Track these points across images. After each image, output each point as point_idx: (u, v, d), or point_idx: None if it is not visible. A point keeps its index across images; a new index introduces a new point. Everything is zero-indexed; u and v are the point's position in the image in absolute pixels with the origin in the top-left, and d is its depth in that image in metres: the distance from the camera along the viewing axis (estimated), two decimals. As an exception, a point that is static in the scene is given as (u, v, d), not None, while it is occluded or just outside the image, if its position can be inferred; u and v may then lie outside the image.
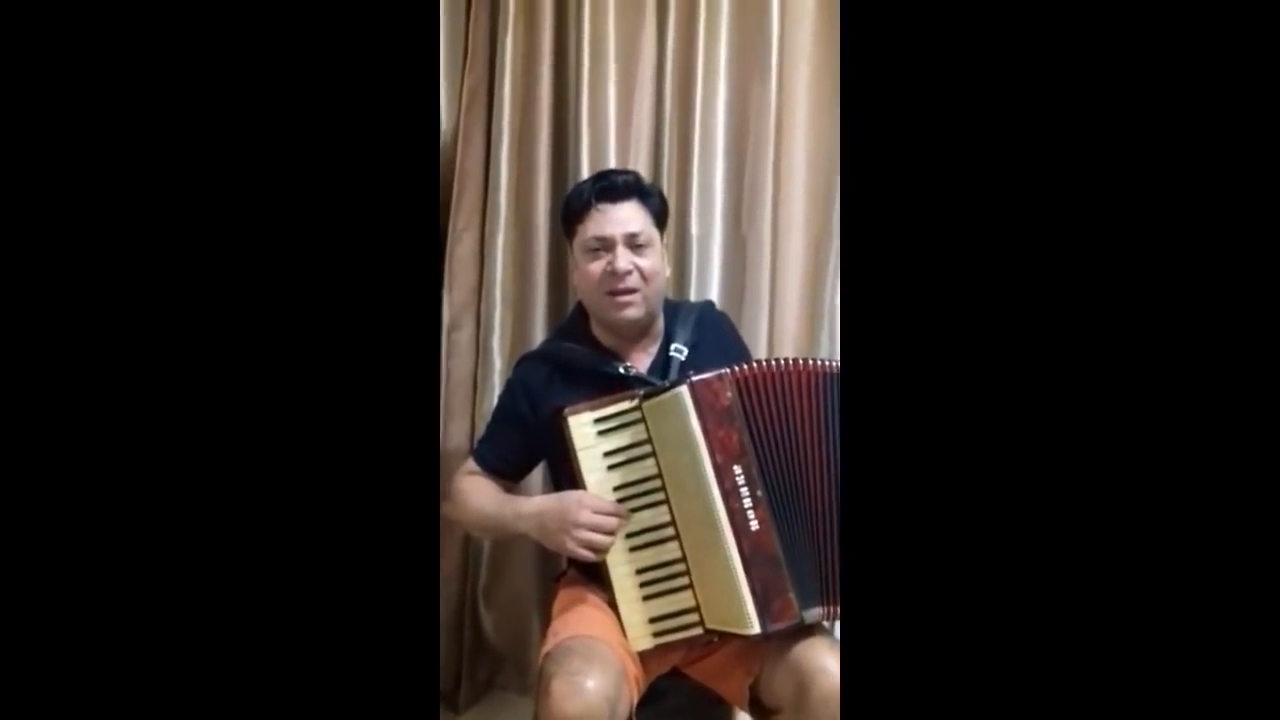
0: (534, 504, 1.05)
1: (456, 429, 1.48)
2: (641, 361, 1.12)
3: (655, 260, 1.09)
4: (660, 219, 1.13)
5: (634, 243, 1.07)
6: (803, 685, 0.90)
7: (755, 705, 0.99)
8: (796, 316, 1.47)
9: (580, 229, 1.10)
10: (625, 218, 1.08)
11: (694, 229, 1.44)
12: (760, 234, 1.43)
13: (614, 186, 1.09)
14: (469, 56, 1.47)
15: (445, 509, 1.18)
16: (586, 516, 0.98)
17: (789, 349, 1.45)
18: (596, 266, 1.07)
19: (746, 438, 0.94)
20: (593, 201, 1.08)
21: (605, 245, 1.07)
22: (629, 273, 1.06)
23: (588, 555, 0.99)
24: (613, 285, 1.06)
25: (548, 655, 0.94)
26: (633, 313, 1.08)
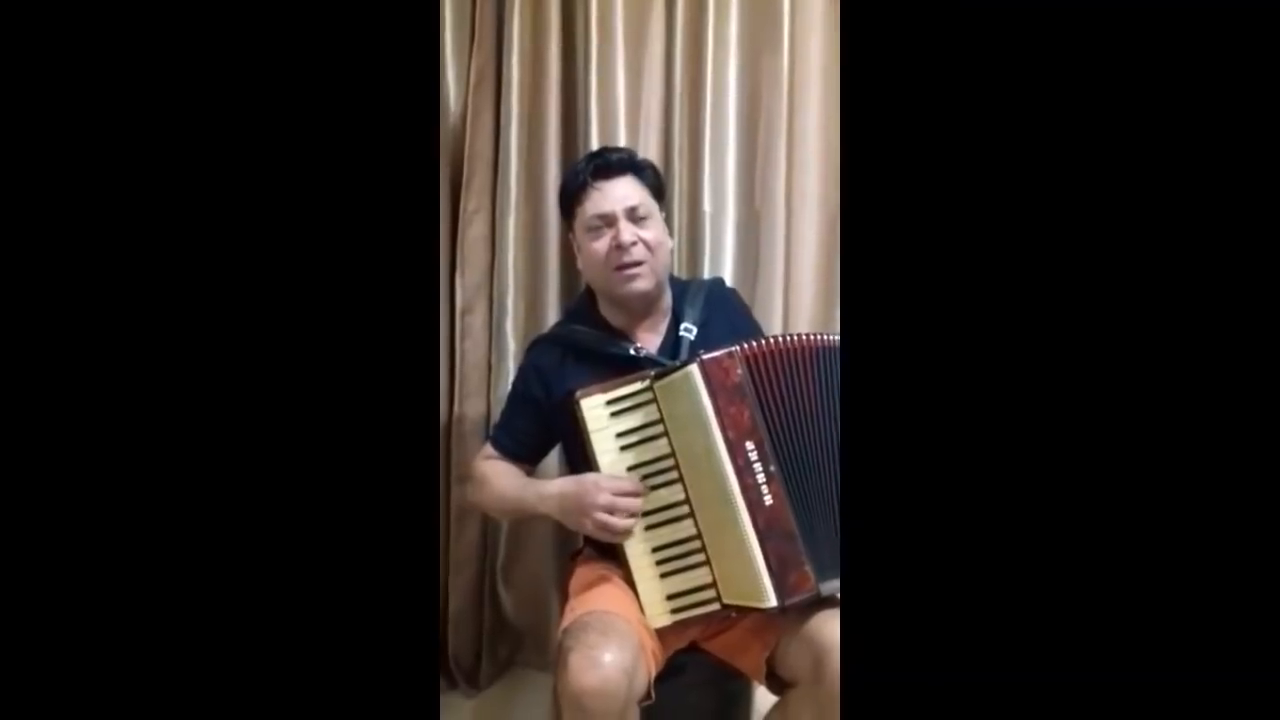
0: (554, 486, 1.06)
1: (472, 410, 1.49)
2: (650, 341, 1.12)
3: (658, 231, 1.09)
4: (657, 191, 1.14)
5: (635, 215, 1.08)
6: (819, 658, 0.91)
7: (772, 678, 1.00)
8: (812, 292, 1.46)
9: (580, 210, 1.10)
10: (623, 193, 1.08)
11: (707, 206, 1.44)
12: (774, 210, 1.42)
13: (609, 164, 1.10)
14: (476, 37, 1.46)
15: (468, 493, 1.19)
16: (605, 499, 0.98)
17: (804, 325, 1.45)
18: (601, 244, 1.08)
19: (758, 414, 0.94)
20: (589, 180, 1.09)
21: (607, 221, 1.08)
22: (634, 244, 1.06)
23: (607, 536, 1.00)
24: (620, 260, 1.06)
25: (566, 630, 0.95)
26: (642, 284, 1.08)
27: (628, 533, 0.99)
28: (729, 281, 1.36)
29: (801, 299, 1.46)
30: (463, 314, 1.48)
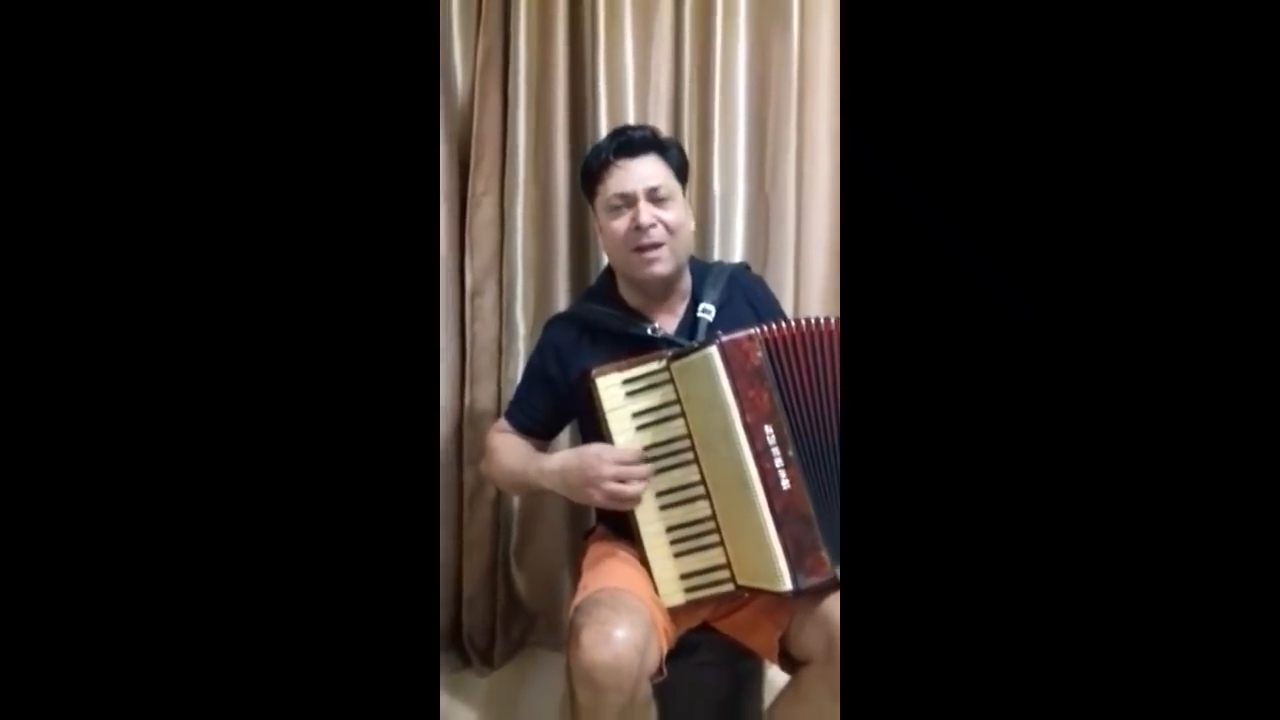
0: (556, 460, 1.07)
1: (482, 392, 1.49)
2: (668, 322, 1.12)
3: (679, 213, 1.08)
4: (681, 172, 1.12)
5: (655, 196, 1.06)
6: (832, 637, 0.91)
7: (784, 658, 1.01)
8: (822, 274, 1.46)
9: (601, 188, 1.09)
10: (646, 172, 1.07)
11: (716, 188, 1.43)
12: (784, 191, 1.41)
13: (632, 142, 1.08)
14: (482, 17, 1.44)
15: (480, 467, 1.20)
16: (609, 469, 0.99)
17: (815, 306, 1.45)
18: (620, 224, 1.07)
19: (777, 398, 0.94)
20: (611, 158, 1.08)
21: (627, 201, 1.06)
22: (653, 226, 1.05)
23: (619, 505, 1.00)
24: (639, 241, 1.05)
25: (577, 607, 0.96)
26: (661, 268, 1.07)
27: (638, 499, 1.00)
28: (749, 266, 1.35)
29: (812, 280, 1.46)
30: (472, 297, 1.48)
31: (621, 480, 0.98)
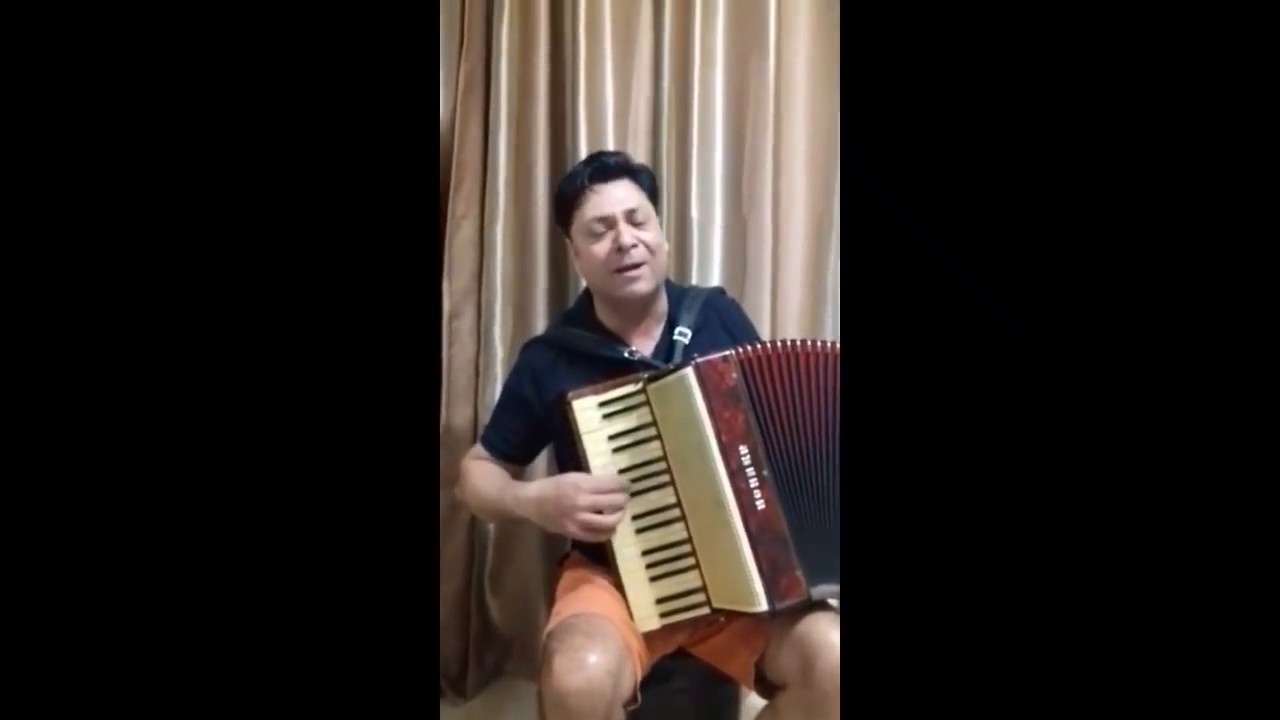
0: (533, 489, 1.06)
1: (459, 415, 1.48)
2: (645, 345, 1.12)
3: (656, 233, 1.10)
4: (653, 195, 1.14)
5: (634, 219, 1.08)
6: (808, 660, 0.91)
7: (761, 682, 1.00)
8: (799, 298, 1.47)
9: (578, 214, 1.10)
10: (622, 196, 1.09)
11: (694, 213, 1.44)
12: (761, 216, 1.43)
13: (607, 167, 1.11)
14: (465, 42, 1.46)
15: (454, 492, 1.19)
16: (585, 499, 0.98)
17: (792, 331, 1.45)
18: (601, 247, 1.08)
19: (752, 418, 0.94)
20: (587, 184, 1.09)
21: (607, 224, 1.08)
22: (635, 246, 1.06)
23: (593, 537, 0.99)
24: (621, 262, 1.07)
25: (550, 633, 0.94)
26: (642, 286, 1.08)
27: (613, 531, 0.99)
28: (724, 290, 1.36)
29: (789, 304, 1.47)
30: (450, 319, 1.48)
31: (597, 510, 0.97)
